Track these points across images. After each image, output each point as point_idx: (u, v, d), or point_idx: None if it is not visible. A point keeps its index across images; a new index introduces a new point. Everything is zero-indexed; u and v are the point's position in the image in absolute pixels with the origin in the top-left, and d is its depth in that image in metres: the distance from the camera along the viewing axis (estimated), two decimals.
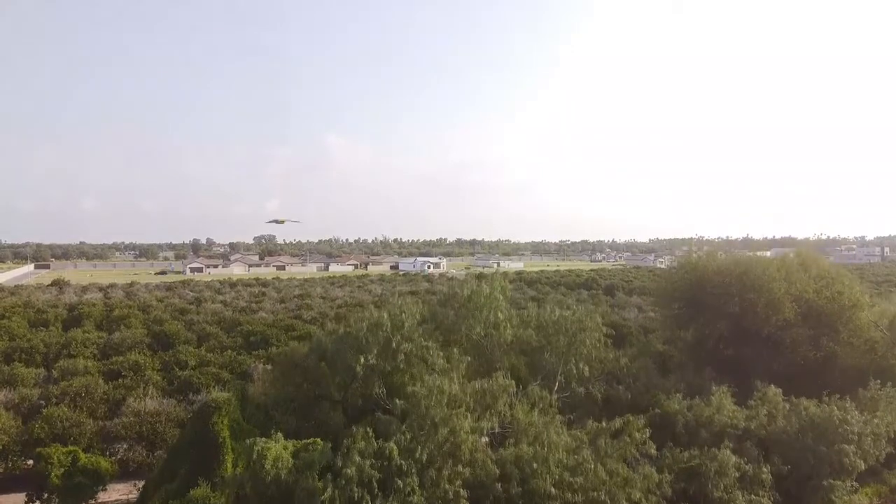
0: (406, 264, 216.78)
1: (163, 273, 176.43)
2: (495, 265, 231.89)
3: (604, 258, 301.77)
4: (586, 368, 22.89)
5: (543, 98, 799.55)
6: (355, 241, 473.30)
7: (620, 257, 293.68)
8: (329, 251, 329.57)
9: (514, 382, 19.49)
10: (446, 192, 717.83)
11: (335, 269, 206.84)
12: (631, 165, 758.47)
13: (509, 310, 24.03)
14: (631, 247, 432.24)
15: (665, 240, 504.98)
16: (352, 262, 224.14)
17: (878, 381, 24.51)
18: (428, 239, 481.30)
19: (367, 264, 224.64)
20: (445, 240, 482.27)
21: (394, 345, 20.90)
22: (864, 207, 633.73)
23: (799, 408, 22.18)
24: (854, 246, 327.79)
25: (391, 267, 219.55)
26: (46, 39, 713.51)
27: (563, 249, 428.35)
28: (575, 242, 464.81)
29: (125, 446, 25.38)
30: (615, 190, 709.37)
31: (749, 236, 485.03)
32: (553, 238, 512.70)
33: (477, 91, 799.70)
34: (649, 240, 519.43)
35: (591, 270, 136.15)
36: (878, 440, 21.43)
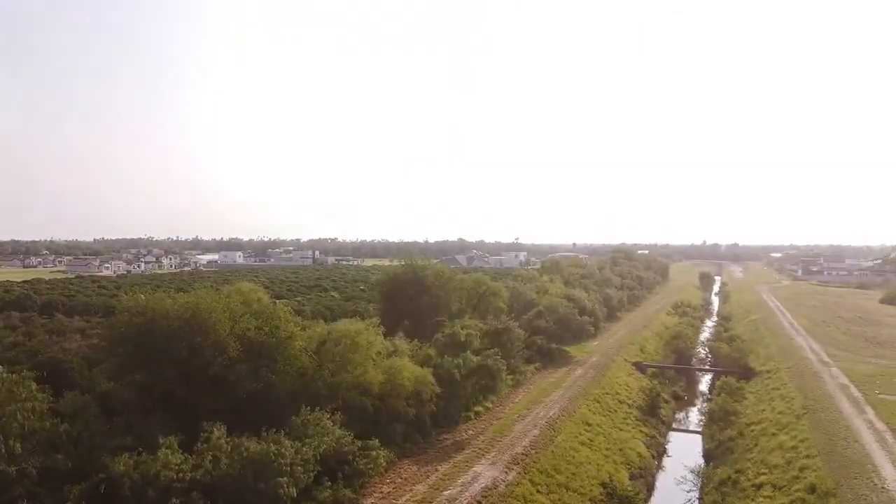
0: None
1: None
2: None
3: (39, 263, 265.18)
4: (18, 445, 20.01)
5: None
6: None
7: (60, 261, 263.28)
8: None
9: None
10: None
11: None
12: None
13: None
14: (74, 248, 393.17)
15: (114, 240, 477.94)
16: None
17: (309, 406, 28.29)
18: None
19: None
20: None
21: None
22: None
23: (240, 447, 23.90)
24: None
25: None
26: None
27: None
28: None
29: None
30: None
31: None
32: None
33: None
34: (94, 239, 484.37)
35: (25, 283, 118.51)
36: (307, 464, 24.69)
